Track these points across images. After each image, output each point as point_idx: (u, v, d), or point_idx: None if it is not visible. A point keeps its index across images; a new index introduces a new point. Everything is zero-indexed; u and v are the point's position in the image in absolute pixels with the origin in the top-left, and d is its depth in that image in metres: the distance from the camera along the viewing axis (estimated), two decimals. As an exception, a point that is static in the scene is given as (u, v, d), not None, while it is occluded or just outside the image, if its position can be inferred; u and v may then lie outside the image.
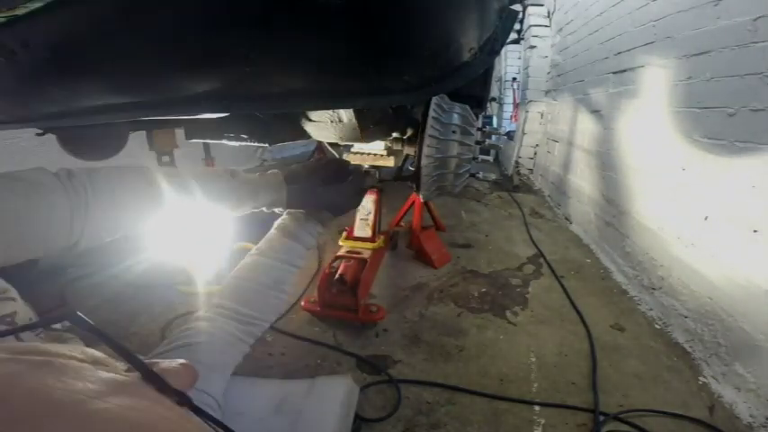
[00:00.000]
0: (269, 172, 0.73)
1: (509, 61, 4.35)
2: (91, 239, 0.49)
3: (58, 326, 0.50)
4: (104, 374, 0.17)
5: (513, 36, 3.75)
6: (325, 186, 0.75)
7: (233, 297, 0.66)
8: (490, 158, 4.64)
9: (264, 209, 0.72)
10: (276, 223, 0.77)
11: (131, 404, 0.16)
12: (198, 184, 0.59)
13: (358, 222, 1.51)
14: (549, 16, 3.35)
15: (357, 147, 1.41)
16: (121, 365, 0.20)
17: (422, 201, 1.89)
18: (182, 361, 0.23)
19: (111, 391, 0.16)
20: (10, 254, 0.42)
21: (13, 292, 0.45)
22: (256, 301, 0.67)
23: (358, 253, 1.38)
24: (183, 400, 0.20)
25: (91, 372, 0.17)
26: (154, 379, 0.20)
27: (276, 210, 0.75)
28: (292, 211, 0.76)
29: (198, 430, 0.19)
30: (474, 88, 1.15)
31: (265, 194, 0.69)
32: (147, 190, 0.54)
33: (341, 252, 1.40)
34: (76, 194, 0.46)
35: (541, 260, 1.87)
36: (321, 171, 0.76)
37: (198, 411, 0.21)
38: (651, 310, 1.45)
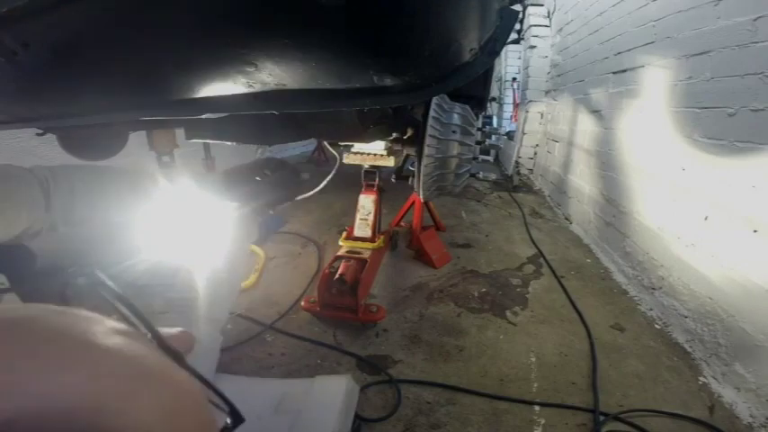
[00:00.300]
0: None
1: (509, 61, 4.35)
2: (66, 224, 0.55)
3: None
4: (111, 322, 0.19)
5: (513, 36, 3.75)
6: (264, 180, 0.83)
7: (186, 288, 0.68)
8: (490, 158, 4.64)
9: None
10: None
11: (131, 343, 0.18)
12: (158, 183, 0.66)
13: (358, 222, 1.51)
14: (549, 16, 3.35)
15: (357, 147, 1.41)
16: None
17: (422, 201, 1.89)
18: (180, 329, 0.25)
19: (114, 332, 0.18)
20: None
21: (2, 278, 0.49)
22: (208, 287, 0.69)
23: (358, 253, 1.38)
24: (178, 358, 0.21)
25: (98, 318, 0.19)
26: (156, 335, 0.21)
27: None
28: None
29: (188, 380, 0.20)
30: (474, 88, 1.15)
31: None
32: (110, 185, 0.61)
33: (341, 252, 1.40)
34: (45, 182, 0.53)
35: (541, 260, 1.87)
36: (262, 166, 0.84)
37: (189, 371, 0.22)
38: (651, 310, 1.45)
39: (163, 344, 0.21)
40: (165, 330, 0.24)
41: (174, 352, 0.21)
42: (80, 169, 0.58)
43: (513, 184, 3.45)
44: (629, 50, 1.82)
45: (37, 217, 0.52)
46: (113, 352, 0.16)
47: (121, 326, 0.19)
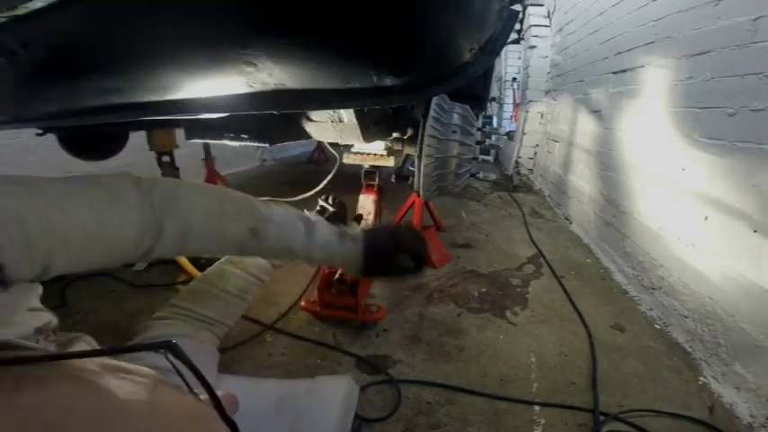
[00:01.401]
0: (352, 234, 0.66)
1: (509, 61, 4.35)
2: (158, 256, 0.48)
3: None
4: (190, 408, 0.23)
5: (513, 36, 3.75)
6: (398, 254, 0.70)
7: (194, 299, 0.67)
8: (490, 158, 4.64)
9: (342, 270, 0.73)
10: None
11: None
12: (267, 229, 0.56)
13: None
14: (549, 16, 3.35)
15: (357, 147, 1.41)
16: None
17: (422, 201, 1.89)
18: (224, 392, 0.29)
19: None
20: (78, 262, 0.42)
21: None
22: (217, 305, 0.69)
23: (358, 253, 1.38)
24: (233, 428, 0.25)
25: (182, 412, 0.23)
26: (221, 410, 0.25)
27: (354, 273, 0.69)
28: None
29: None
30: (474, 88, 1.15)
31: (340, 259, 0.65)
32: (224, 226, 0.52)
33: (341, 252, 1.40)
34: (152, 212, 0.45)
35: (541, 260, 1.87)
36: (400, 237, 0.70)
37: None
38: (651, 310, 1.45)
39: (227, 418, 0.25)
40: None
41: (230, 423, 0.25)
42: (196, 191, 0.49)
43: (513, 184, 3.45)
44: (629, 50, 1.82)
45: (124, 253, 0.45)
46: None
47: (199, 409, 0.23)
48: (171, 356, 0.23)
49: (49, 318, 0.42)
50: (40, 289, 0.41)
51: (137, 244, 0.45)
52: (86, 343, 0.42)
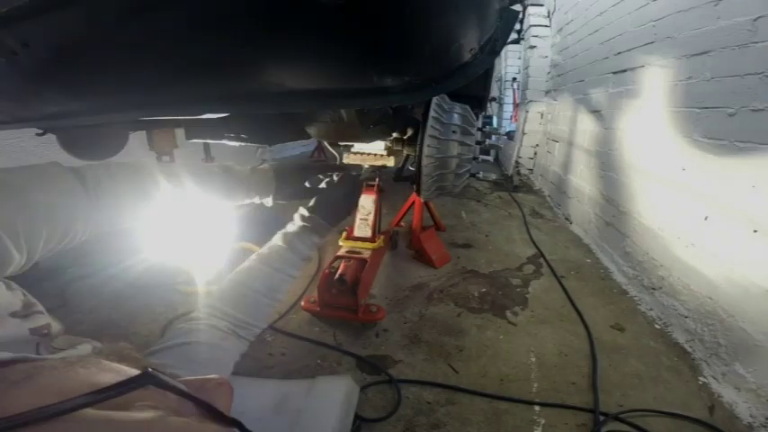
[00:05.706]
0: (260, 167, 0.80)
1: (509, 61, 4.35)
2: (97, 231, 0.54)
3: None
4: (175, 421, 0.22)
5: (513, 36, 3.75)
6: (312, 186, 0.84)
7: (226, 300, 0.67)
8: (490, 158, 4.64)
9: (256, 199, 0.80)
10: (279, 233, 0.80)
11: None
12: (192, 178, 0.65)
13: (358, 222, 1.51)
14: (549, 16, 3.35)
15: (357, 147, 1.41)
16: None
17: (422, 201, 1.89)
18: (214, 376, 0.27)
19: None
20: (44, 247, 0.46)
21: (40, 306, 0.46)
22: (249, 306, 0.69)
23: (358, 253, 1.38)
24: (236, 425, 0.24)
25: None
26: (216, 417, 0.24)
27: (264, 201, 0.82)
28: (296, 222, 0.80)
29: None
30: (474, 88, 1.15)
31: (256, 187, 0.77)
32: (146, 183, 0.60)
33: (341, 252, 1.40)
34: (88, 190, 0.52)
35: (541, 260, 1.87)
36: (312, 169, 0.87)
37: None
38: (651, 310, 1.45)
39: (219, 417, 0.24)
40: (200, 379, 0.26)
41: (232, 422, 0.24)
42: (100, 173, 0.57)
43: (513, 184, 3.45)
44: (629, 50, 1.82)
45: (78, 231, 0.51)
46: None
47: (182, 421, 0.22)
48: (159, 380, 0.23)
49: (45, 320, 0.42)
50: (20, 294, 0.42)
51: (86, 220, 0.52)
52: (93, 347, 0.42)
